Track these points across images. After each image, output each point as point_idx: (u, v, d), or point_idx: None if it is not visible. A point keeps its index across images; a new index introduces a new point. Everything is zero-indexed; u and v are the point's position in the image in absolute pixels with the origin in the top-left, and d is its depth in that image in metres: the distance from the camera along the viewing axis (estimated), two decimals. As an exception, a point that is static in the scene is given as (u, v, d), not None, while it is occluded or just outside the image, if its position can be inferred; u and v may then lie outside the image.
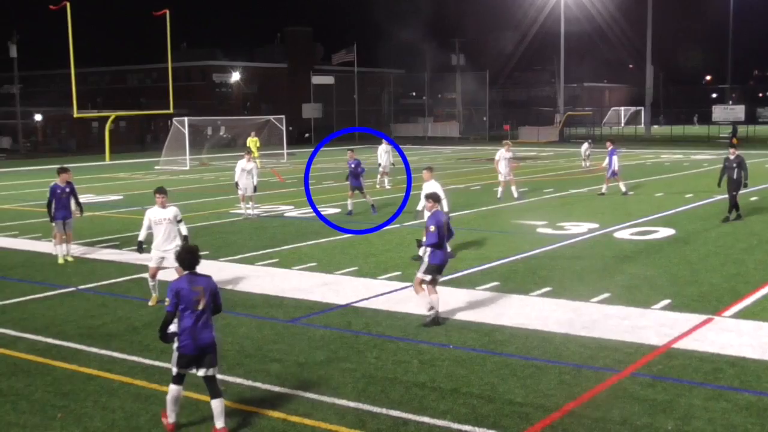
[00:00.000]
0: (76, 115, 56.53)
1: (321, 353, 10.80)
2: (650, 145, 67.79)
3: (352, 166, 24.71)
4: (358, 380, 9.73)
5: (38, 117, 78.64)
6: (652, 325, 11.83)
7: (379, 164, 33.66)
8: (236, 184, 23.91)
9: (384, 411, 8.76)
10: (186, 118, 51.31)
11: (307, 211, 25.38)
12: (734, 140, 65.55)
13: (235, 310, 13.14)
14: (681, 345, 10.92)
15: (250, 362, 10.45)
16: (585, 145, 45.01)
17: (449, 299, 13.55)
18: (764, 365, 10.10)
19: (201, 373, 8.27)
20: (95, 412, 8.87)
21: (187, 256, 8.40)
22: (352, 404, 8.95)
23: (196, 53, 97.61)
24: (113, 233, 21.44)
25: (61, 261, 17.63)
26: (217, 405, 8.17)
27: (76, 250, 18.73)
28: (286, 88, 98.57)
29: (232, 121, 73.77)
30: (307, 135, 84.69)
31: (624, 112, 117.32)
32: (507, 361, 10.41)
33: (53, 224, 17.78)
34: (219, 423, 8.15)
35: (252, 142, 46.72)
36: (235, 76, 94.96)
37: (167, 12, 55.74)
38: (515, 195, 27.95)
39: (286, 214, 24.92)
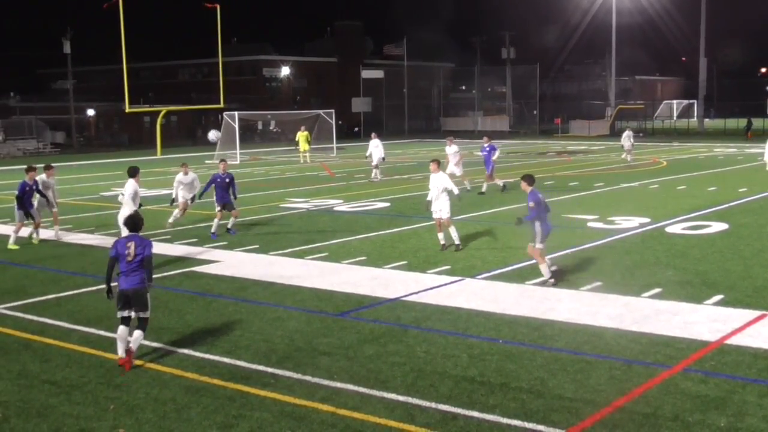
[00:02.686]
0: (127, 110, 57.39)
1: (370, 347, 10.83)
2: (703, 139, 66.73)
3: (226, 180, 20.04)
4: (407, 374, 9.74)
5: (91, 112, 79.95)
6: (705, 321, 11.66)
7: (368, 156, 34.93)
8: (172, 201, 21.65)
9: (433, 405, 8.76)
10: (236, 113, 51.77)
11: (356, 205, 25.44)
12: (749, 135, 64.54)
13: (285, 303, 13.24)
14: (734, 341, 10.74)
15: (300, 355, 10.53)
16: (626, 134, 43.13)
17: (499, 293, 13.52)
18: (821, 362, 9.89)
19: (132, 314, 10.41)
20: (147, 403, 9.01)
21: (129, 221, 11.04)
22: (401, 398, 8.97)
23: (247, 48, 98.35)
24: (164, 227, 21.70)
25: (13, 246, 19.02)
26: (135, 334, 10.37)
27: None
28: (336, 83, 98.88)
29: (282, 115, 74.25)
30: (356, 129, 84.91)
31: (676, 105, 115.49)
32: (557, 355, 10.34)
33: (19, 214, 19.36)
34: (134, 345, 10.34)
35: (302, 136, 47.01)
36: (286, 71, 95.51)
37: (218, 6, 56.26)
38: (456, 190, 27.69)
39: (335, 209, 25.02)
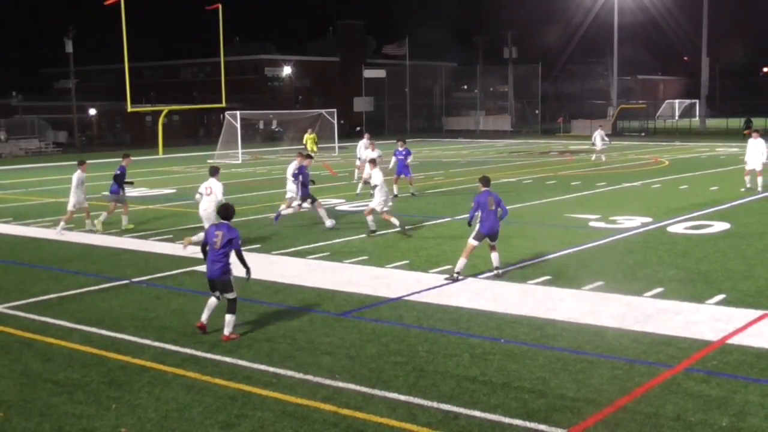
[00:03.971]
0: (129, 109, 57.38)
1: (372, 347, 10.83)
2: (705, 138, 66.68)
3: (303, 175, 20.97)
4: (409, 374, 9.74)
5: (93, 111, 79.94)
6: (707, 320, 11.65)
7: (359, 158, 32.52)
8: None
9: (435, 405, 8.75)
10: (238, 112, 51.76)
11: (358, 205, 25.42)
12: (746, 132, 64.62)
13: (287, 303, 13.24)
14: (736, 340, 10.73)
15: (302, 355, 10.52)
16: (598, 133, 43.68)
17: (501, 293, 13.51)
18: (823, 362, 9.89)
19: (224, 296, 11.35)
20: (149, 403, 9.01)
21: (222, 209, 11.87)
22: (402, 398, 8.97)
23: (249, 47, 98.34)
24: (166, 226, 21.73)
25: (129, 226, 21.46)
26: (227, 319, 11.24)
27: (131, 243, 19.14)
28: (338, 82, 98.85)
29: (284, 115, 74.22)
30: (358, 129, 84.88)
31: (678, 104, 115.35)
32: (559, 355, 10.34)
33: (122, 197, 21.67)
34: (226, 330, 11.24)
35: (309, 138, 46.84)
36: (287, 70, 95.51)
37: (219, 6, 56.25)
38: (357, 191, 28.00)
39: (337, 208, 25.00)
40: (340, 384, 9.41)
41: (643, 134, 75.51)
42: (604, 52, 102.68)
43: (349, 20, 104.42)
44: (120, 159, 23.01)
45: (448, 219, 21.95)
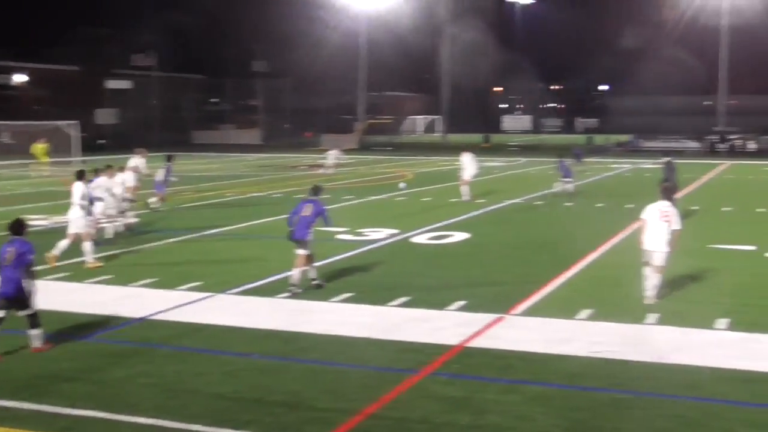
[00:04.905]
0: None
1: (118, 370, 10.35)
2: (447, 152, 70.18)
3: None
4: (157, 395, 9.39)
5: None
6: (450, 326, 12.21)
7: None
8: None
9: (184, 426, 8.50)
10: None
11: (101, 222, 24.27)
12: (485, 145, 70.30)
13: (20, 328, 12.30)
14: (476, 343, 11.35)
15: (41, 384, 9.83)
16: (333, 153, 47.11)
17: (251, 308, 13.43)
18: (549, 358, 10.74)
19: (20, 313, 10.95)
20: None
21: (12, 225, 11.31)
22: (150, 421, 8.63)
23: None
24: None
25: None
26: (34, 332, 11.00)
27: None
28: (81, 92, 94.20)
29: (18, 126, 69.61)
30: (101, 142, 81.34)
31: (421, 120, 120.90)
32: (311, 367, 10.40)
33: None
34: (36, 343, 11.02)
35: (40, 148, 44.20)
36: (22, 78, 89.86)
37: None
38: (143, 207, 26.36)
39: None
40: (81, 412, 8.88)
41: (389, 148, 78.26)
42: (354, 68, 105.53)
43: (92, 27, 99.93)
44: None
45: (197, 234, 21.52)
